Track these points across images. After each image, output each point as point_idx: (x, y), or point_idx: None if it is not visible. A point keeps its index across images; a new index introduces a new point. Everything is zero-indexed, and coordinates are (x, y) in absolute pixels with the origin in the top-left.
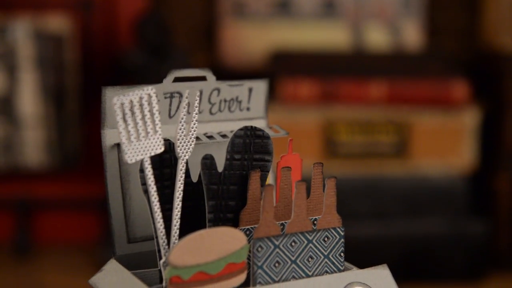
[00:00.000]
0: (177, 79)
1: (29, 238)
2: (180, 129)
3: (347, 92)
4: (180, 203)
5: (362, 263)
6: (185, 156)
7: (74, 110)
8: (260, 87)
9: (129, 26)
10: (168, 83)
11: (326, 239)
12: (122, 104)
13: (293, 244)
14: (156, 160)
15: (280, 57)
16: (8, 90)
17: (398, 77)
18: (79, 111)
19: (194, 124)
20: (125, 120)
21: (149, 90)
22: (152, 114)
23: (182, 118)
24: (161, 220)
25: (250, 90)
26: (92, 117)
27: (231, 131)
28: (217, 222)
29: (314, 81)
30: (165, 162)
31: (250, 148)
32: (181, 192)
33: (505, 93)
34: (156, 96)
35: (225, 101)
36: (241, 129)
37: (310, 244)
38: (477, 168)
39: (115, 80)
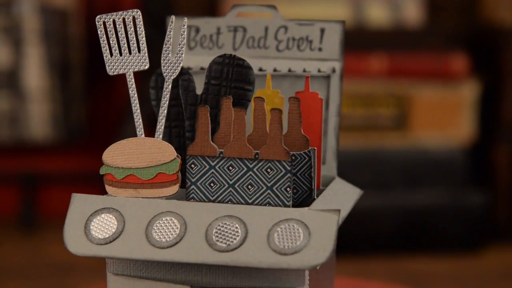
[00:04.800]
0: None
1: (34, 211)
2: (166, 51)
3: (348, 66)
4: (164, 118)
5: (363, 233)
6: (170, 76)
7: (79, 84)
8: (334, 28)
9: (134, 1)
10: (232, 17)
11: (269, 170)
12: (105, 22)
13: (230, 168)
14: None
15: None
16: (14, 64)
17: (398, 51)
18: (84, 85)
19: (182, 47)
20: (107, 37)
21: (134, 12)
22: (137, 34)
23: (168, 41)
24: (142, 130)
25: (323, 30)
26: (97, 91)
27: (304, 71)
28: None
29: None
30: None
31: (229, 75)
32: (166, 108)
33: (504, 66)
34: (141, 18)
35: (294, 39)
36: (220, 56)
37: (251, 172)
38: (476, 140)
39: None
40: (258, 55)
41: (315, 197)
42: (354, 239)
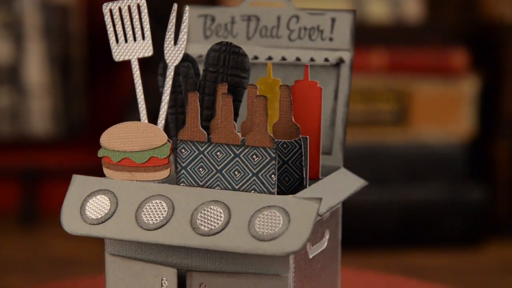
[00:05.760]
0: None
1: (34, 206)
2: (168, 38)
3: None
4: (166, 105)
5: (363, 228)
6: (172, 63)
7: (80, 80)
8: (345, 18)
9: None
10: (246, 7)
11: (254, 156)
12: (111, 9)
13: (218, 154)
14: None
15: None
16: (15, 59)
17: (398, 46)
18: (85, 81)
19: (184, 35)
20: (113, 23)
21: (139, 0)
22: (141, 21)
23: (170, 29)
24: (145, 116)
25: (333, 20)
26: (97, 86)
27: (312, 60)
28: None
29: None
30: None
31: (226, 62)
32: (168, 95)
33: (503, 62)
34: (146, 5)
35: (305, 29)
36: (217, 43)
37: (237, 158)
38: (476, 135)
39: None
40: (270, 45)
41: (307, 185)
42: (354, 233)
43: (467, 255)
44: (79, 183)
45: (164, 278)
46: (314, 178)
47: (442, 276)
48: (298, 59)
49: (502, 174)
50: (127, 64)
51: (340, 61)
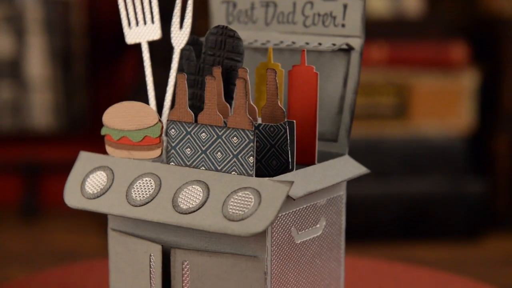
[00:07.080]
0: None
1: (36, 200)
2: (174, 22)
3: None
4: (172, 87)
5: (363, 221)
6: (178, 46)
7: (81, 74)
8: (356, 4)
9: None
10: None
11: (235, 138)
12: None
13: (202, 134)
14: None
15: None
16: (16, 53)
17: (398, 40)
18: (86, 74)
19: (189, 19)
20: (126, 8)
21: None
22: (151, 6)
23: (176, 13)
24: (153, 97)
25: (345, 6)
26: (98, 80)
27: (319, 44)
28: (195, 109)
29: None
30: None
31: (223, 46)
32: (174, 78)
33: (503, 56)
34: None
35: (319, 15)
36: (215, 27)
37: (220, 140)
38: (476, 129)
39: (122, 45)
40: (287, 31)
41: (294, 169)
42: (353, 226)
43: (467, 247)
44: (84, 159)
45: (152, 254)
46: (310, 164)
47: (441, 268)
48: (307, 44)
49: (502, 167)
50: (128, 57)
51: (349, 47)
